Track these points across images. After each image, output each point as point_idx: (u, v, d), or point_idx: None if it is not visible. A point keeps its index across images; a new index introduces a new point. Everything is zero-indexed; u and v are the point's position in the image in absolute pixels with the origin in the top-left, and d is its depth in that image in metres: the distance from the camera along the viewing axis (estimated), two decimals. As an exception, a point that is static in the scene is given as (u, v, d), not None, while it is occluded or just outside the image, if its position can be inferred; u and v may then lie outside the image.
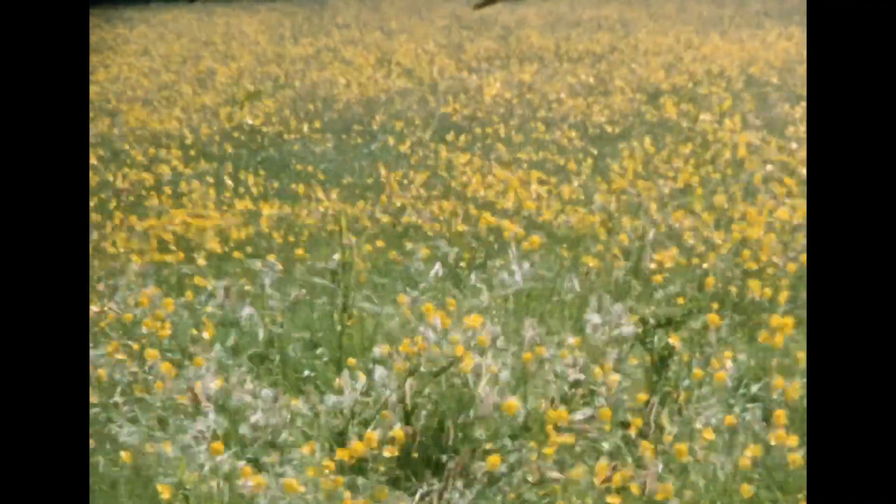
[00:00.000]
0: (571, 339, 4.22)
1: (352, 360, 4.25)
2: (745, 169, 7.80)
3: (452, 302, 4.57)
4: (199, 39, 19.29)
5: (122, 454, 3.65)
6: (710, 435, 3.64)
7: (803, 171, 7.16)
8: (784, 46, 16.36)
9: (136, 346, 4.29)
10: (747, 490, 3.39)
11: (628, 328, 4.26)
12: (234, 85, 13.13)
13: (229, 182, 7.43)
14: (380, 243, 5.96)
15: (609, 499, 3.32)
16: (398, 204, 6.86)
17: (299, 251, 5.96)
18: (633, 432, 3.65)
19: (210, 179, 7.48)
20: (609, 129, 9.72)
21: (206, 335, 4.44)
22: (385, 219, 6.62)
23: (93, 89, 12.13)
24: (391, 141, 9.33)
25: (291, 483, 3.42)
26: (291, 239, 6.27)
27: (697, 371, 4.07)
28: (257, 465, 3.66)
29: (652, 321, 4.17)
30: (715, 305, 4.78)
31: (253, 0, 26.39)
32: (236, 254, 5.98)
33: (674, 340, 4.10)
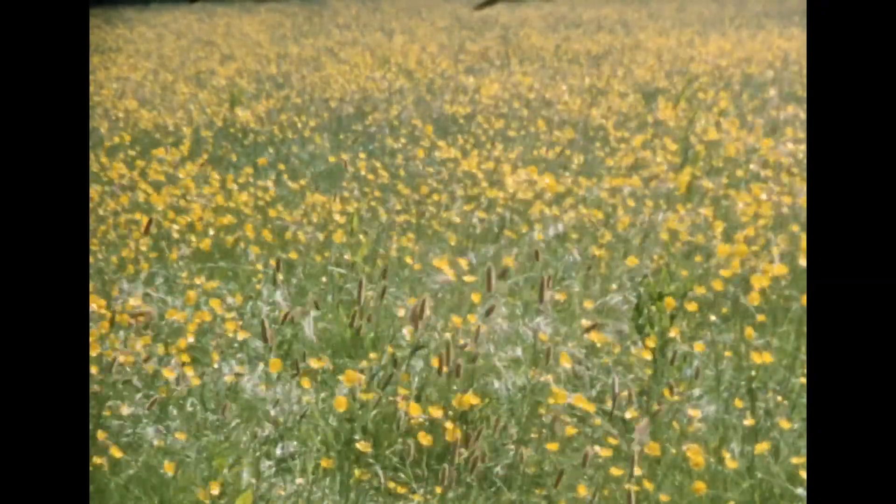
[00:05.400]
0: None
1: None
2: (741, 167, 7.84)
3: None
4: (199, 40, 19.30)
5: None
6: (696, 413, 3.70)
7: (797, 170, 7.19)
8: (784, 46, 16.36)
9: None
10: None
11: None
12: (233, 85, 13.14)
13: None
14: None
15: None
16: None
17: (289, 254, 5.99)
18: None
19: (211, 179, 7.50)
20: (608, 129, 9.74)
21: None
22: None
23: (93, 89, 12.14)
24: (389, 141, 9.35)
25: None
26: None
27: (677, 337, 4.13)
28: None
29: (645, 295, 4.25)
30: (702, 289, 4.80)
31: (253, 0, 26.38)
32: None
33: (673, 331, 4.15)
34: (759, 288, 4.35)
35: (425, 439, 3.54)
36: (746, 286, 5.01)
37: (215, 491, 3.44)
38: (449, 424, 3.58)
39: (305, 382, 3.93)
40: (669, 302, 4.25)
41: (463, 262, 4.57)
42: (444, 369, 3.83)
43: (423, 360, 4.29)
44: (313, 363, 3.96)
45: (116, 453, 3.63)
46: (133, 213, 6.44)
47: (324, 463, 3.67)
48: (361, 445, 3.67)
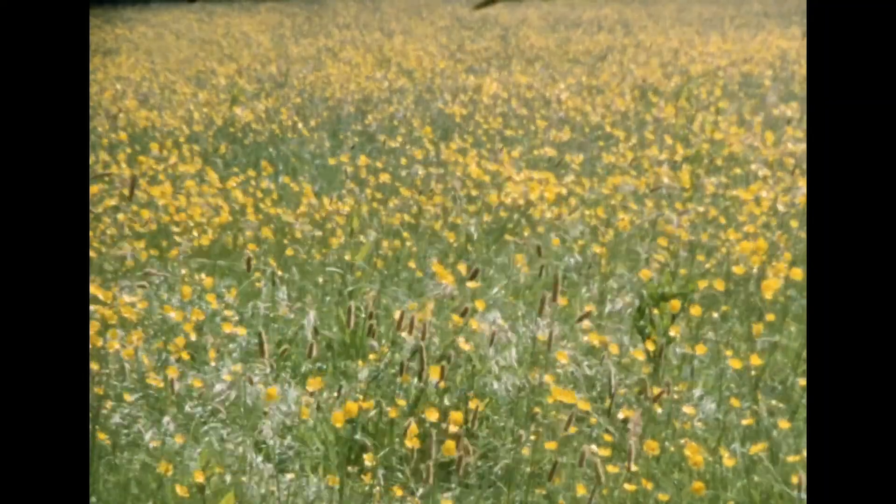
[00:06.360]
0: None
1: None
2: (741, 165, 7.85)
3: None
4: (199, 39, 19.30)
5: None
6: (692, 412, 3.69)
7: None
8: (784, 46, 16.37)
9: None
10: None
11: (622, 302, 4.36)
12: (233, 85, 13.15)
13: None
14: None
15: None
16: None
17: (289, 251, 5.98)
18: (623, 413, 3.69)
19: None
20: (607, 128, 9.75)
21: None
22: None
23: (93, 89, 12.14)
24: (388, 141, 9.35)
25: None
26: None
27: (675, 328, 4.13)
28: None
29: (648, 296, 4.25)
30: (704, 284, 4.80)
31: (253, 0, 26.39)
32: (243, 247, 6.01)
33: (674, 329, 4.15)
34: (770, 287, 4.35)
35: (412, 441, 3.50)
36: (749, 284, 5.02)
37: (193, 484, 3.44)
38: (453, 427, 3.57)
39: (305, 412, 3.88)
40: (675, 305, 4.24)
41: (462, 268, 4.57)
42: (442, 383, 3.82)
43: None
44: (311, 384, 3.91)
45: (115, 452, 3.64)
46: (132, 211, 6.44)
47: (324, 473, 3.67)
48: (367, 458, 3.65)
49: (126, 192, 6.29)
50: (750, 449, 3.60)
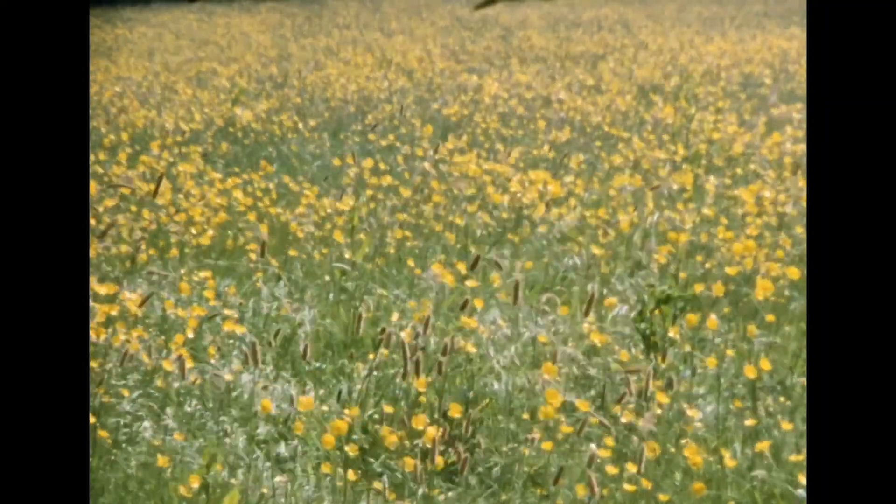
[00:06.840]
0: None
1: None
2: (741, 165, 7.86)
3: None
4: (199, 39, 19.31)
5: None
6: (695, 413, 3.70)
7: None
8: (784, 46, 16.38)
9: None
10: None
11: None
12: (233, 85, 13.15)
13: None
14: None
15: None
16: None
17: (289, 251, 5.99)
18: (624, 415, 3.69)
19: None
20: (607, 127, 9.75)
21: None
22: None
23: (93, 89, 12.14)
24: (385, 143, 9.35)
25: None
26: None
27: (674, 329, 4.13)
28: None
29: (648, 298, 4.25)
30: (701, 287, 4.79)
31: (253, 0, 26.40)
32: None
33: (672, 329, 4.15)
34: (765, 287, 4.34)
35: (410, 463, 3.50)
36: (750, 285, 5.02)
37: (195, 485, 3.43)
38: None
39: (299, 427, 3.84)
40: (671, 305, 4.24)
41: (461, 266, 4.57)
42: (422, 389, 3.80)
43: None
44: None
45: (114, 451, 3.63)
46: (132, 210, 6.44)
47: (324, 468, 3.66)
48: (350, 448, 3.64)
49: (151, 189, 6.24)
50: (752, 448, 3.61)
